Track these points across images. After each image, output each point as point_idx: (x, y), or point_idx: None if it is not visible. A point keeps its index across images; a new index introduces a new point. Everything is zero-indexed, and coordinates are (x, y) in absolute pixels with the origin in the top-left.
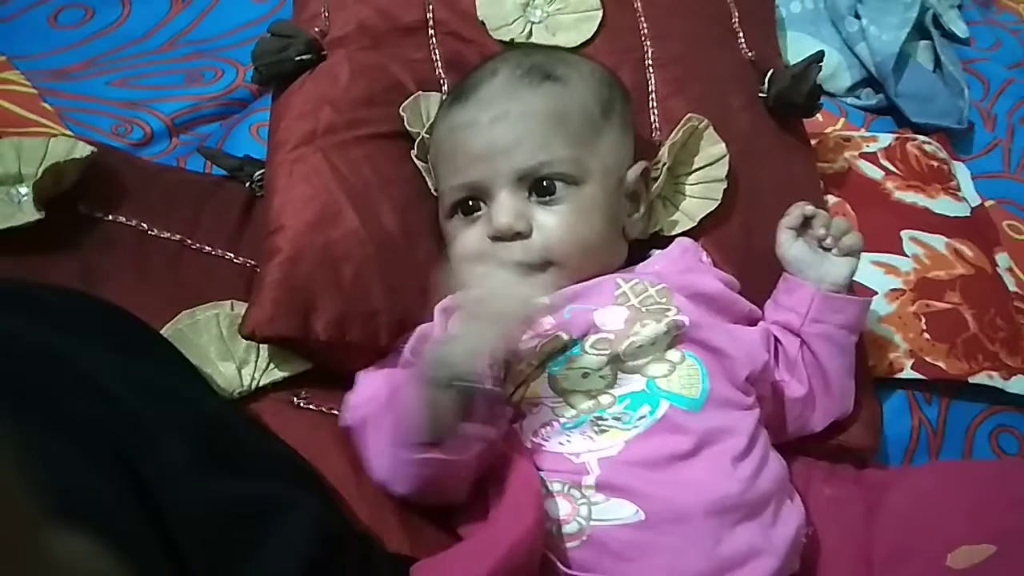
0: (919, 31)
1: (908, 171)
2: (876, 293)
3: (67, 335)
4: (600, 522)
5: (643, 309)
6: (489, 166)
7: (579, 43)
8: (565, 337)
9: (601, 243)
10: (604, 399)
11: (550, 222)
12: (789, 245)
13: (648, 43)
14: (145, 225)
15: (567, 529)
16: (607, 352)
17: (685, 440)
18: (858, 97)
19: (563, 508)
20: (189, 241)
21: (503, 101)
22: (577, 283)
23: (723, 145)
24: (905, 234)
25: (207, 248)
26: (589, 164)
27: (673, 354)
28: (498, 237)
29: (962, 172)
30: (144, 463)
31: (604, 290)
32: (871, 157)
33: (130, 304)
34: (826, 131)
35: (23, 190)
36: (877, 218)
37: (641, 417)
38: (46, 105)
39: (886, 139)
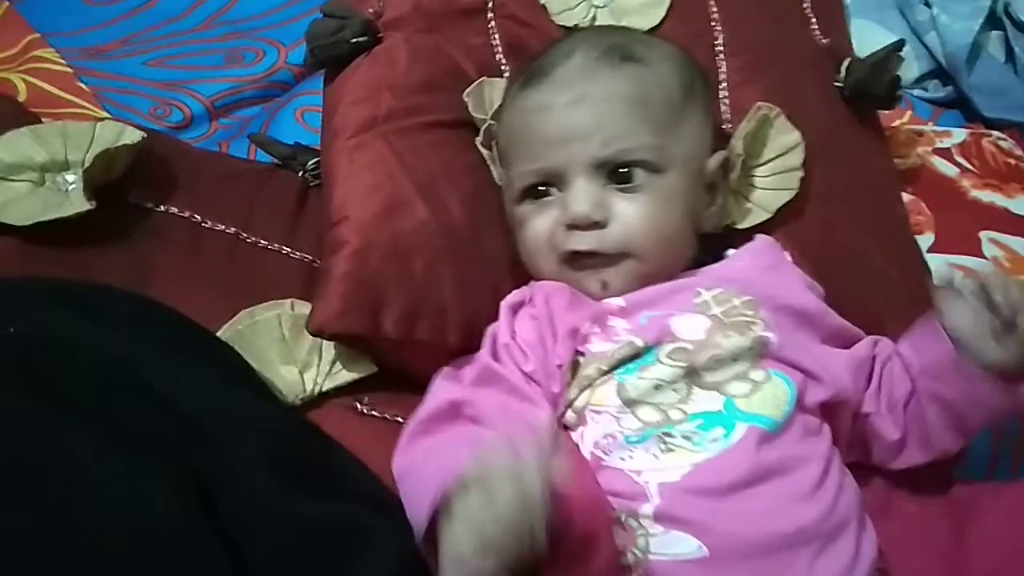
0: (990, 20)
1: (984, 169)
2: None
3: (128, 341)
4: (659, 556)
5: (726, 320)
6: (566, 151)
7: (646, 29)
8: (639, 344)
9: (679, 235)
10: (674, 414)
11: (629, 212)
12: (950, 311)
13: (719, 28)
14: (198, 217)
15: (622, 561)
16: (684, 364)
17: (759, 467)
18: (925, 89)
19: (618, 538)
20: (244, 234)
21: (581, 83)
22: (651, 279)
23: (797, 133)
24: (984, 235)
25: (263, 242)
26: (671, 151)
27: (757, 373)
28: (574, 225)
29: None
30: (221, 484)
31: (683, 296)
32: (945, 153)
33: (185, 300)
34: (892, 124)
35: (70, 178)
36: (954, 218)
37: (714, 440)
38: (82, 85)
39: (960, 134)
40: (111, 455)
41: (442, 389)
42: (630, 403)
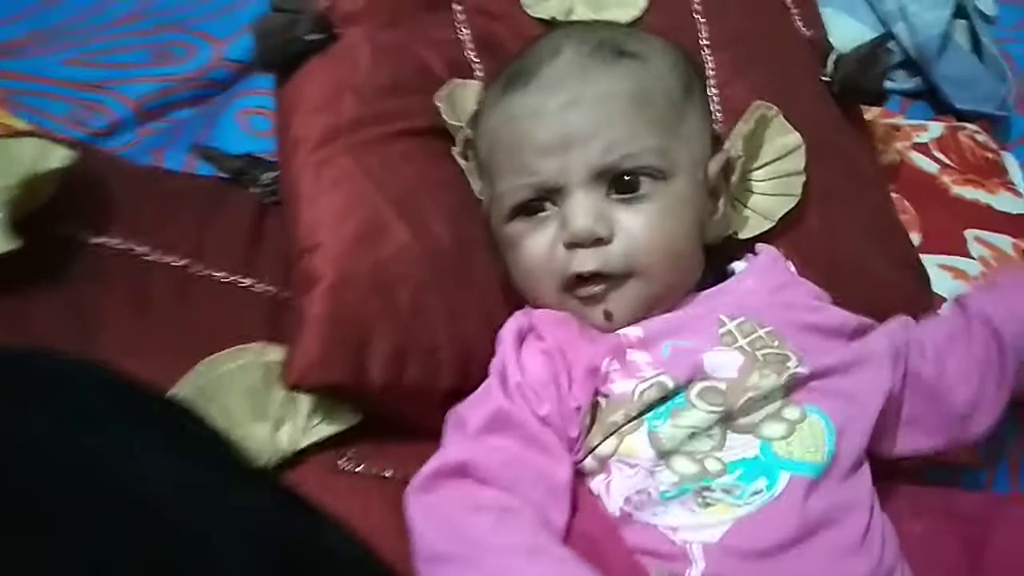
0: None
1: (963, 163)
2: (945, 300)
3: (79, 422)
4: None
5: (759, 356)
6: (561, 161)
7: (626, 22)
8: (669, 385)
9: (688, 249)
10: (711, 465)
11: (635, 224)
12: None
13: (702, 21)
14: (142, 248)
15: None
16: (720, 408)
17: (808, 520)
18: (892, 80)
19: None
20: (196, 266)
21: (573, 84)
22: (658, 302)
23: (797, 135)
24: (969, 234)
25: (218, 274)
26: (676, 155)
27: (791, 411)
28: (574, 243)
29: (1010, 162)
30: None
31: (705, 325)
32: (923, 148)
33: (132, 352)
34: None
35: None
36: (938, 216)
37: (756, 492)
38: None
39: (936, 128)
40: (76, 569)
41: (451, 444)
42: (664, 454)
